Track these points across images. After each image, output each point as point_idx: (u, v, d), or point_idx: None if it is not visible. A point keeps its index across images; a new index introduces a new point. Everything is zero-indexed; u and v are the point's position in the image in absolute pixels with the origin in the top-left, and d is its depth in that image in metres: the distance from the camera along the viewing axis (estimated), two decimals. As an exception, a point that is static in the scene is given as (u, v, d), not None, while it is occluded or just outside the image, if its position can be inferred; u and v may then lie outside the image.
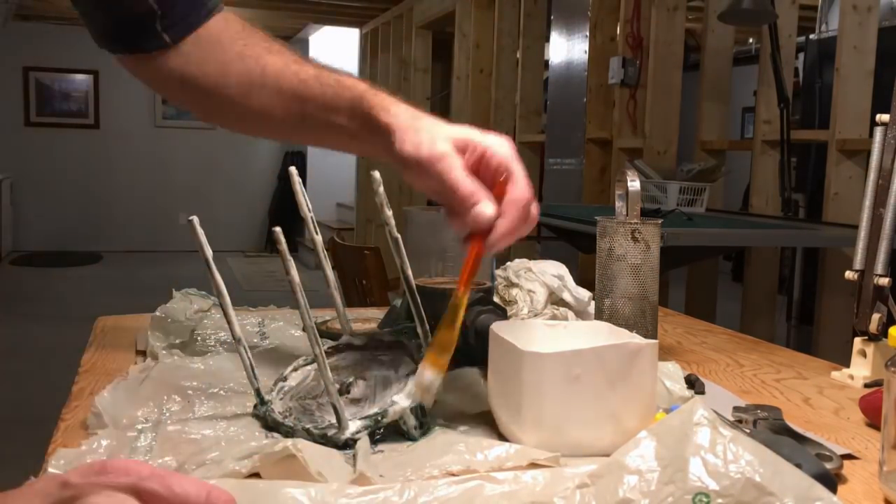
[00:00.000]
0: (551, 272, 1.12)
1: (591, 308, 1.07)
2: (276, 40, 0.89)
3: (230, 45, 0.88)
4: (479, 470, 0.60)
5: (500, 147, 0.73)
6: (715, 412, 0.74)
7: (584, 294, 1.11)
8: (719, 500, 0.49)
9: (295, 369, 0.80)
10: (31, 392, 3.92)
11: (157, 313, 1.07)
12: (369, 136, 0.79)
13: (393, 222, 0.73)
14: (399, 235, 0.73)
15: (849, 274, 0.97)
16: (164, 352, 0.94)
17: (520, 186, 0.71)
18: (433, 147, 0.72)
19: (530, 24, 4.57)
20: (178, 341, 0.97)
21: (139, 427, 0.71)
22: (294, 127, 0.88)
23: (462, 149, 0.73)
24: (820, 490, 0.49)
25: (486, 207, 0.69)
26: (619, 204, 0.96)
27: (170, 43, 0.86)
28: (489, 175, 0.73)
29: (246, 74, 0.86)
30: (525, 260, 1.17)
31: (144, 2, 0.84)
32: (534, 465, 0.61)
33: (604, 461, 0.55)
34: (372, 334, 0.81)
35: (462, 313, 0.71)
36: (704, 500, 0.49)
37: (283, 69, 0.85)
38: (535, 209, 0.72)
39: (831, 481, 0.59)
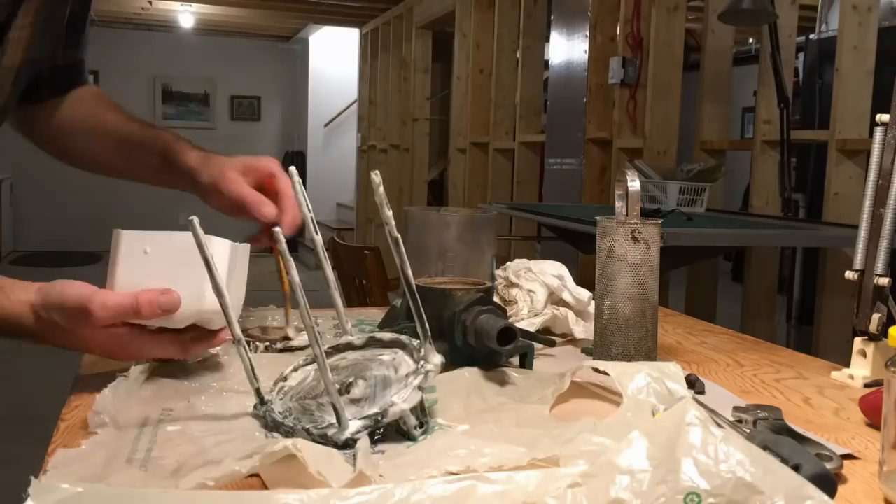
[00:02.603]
0: (551, 272, 1.12)
1: (592, 308, 1.07)
2: (116, 104, 1.18)
3: (83, 102, 1.17)
4: (478, 470, 0.60)
5: (266, 162, 1.03)
6: (711, 412, 0.75)
7: (584, 294, 1.11)
8: (710, 500, 0.49)
9: (295, 369, 0.80)
10: (31, 392, 3.92)
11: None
12: (175, 173, 1.07)
13: (393, 222, 0.73)
14: (399, 235, 0.73)
15: (849, 274, 0.97)
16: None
17: (283, 182, 1.00)
18: (223, 175, 1.01)
19: (530, 24, 4.57)
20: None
21: (139, 427, 0.71)
22: (121, 165, 1.16)
23: (244, 172, 1.01)
24: (811, 489, 0.49)
25: (268, 208, 0.98)
26: (619, 204, 0.96)
27: (46, 98, 1.14)
28: (267, 183, 1.01)
29: (92, 124, 1.15)
30: (525, 260, 1.16)
31: (40, 69, 1.06)
32: (533, 465, 0.61)
33: (596, 461, 0.55)
34: (372, 334, 0.81)
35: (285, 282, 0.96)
36: (696, 499, 0.49)
37: (117, 122, 1.14)
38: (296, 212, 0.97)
39: (831, 481, 0.59)
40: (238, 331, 0.74)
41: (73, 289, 0.77)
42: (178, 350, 0.83)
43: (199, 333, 0.83)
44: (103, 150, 1.15)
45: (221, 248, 0.83)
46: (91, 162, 1.18)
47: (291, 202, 0.98)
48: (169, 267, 0.79)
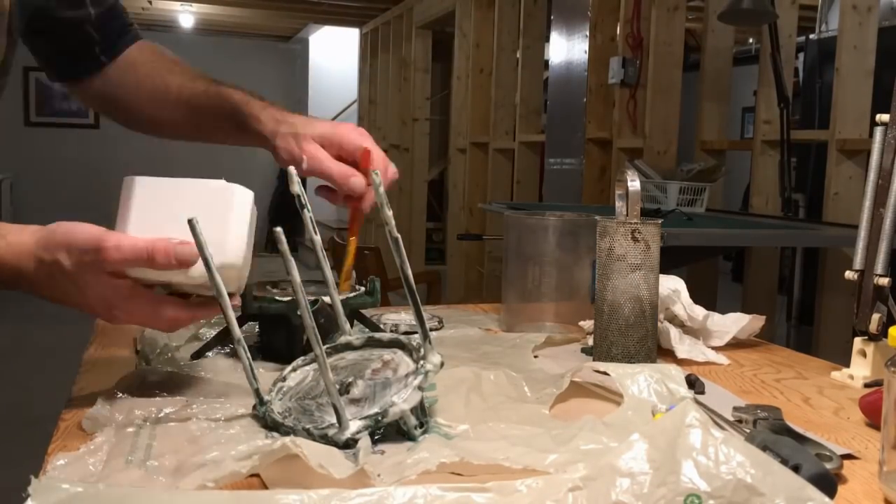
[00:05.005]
0: (667, 285, 1.07)
1: (709, 325, 1.07)
2: (177, 61, 1.11)
3: (141, 67, 1.08)
4: (477, 472, 0.60)
5: (350, 133, 0.98)
6: (713, 413, 0.75)
7: (700, 312, 1.06)
8: (711, 502, 0.49)
9: (294, 369, 0.80)
10: (31, 392, 3.92)
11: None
12: (248, 137, 1.03)
13: (393, 222, 0.73)
14: (399, 235, 0.73)
15: (849, 274, 0.97)
16: (161, 355, 0.94)
17: (377, 155, 0.98)
18: (301, 151, 0.96)
19: (530, 24, 4.57)
20: (175, 345, 0.97)
21: (138, 427, 0.71)
22: (190, 130, 1.10)
23: (324, 144, 0.97)
24: (811, 491, 0.49)
25: (357, 182, 0.95)
26: (619, 204, 0.96)
27: (106, 62, 1.07)
28: (350, 156, 0.97)
29: (153, 90, 1.08)
30: None
31: (87, 31, 1.04)
32: (533, 472, 0.61)
33: (596, 464, 0.55)
34: (371, 334, 0.81)
35: (352, 257, 0.99)
36: (696, 501, 0.49)
37: (181, 86, 1.07)
38: (392, 168, 1.00)
39: (831, 481, 0.59)
40: (238, 330, 0.74)
41: (83, 228, 0.73)
42: (177, 316, 0.77)
43: (205, 300, 0.78)
44: (169, 116, 1.08)
45: (244, 199, 0.79)
46: (158, 128, 1.12)
47: (383, 162, 0.98)
48: (187, 216, 0.70)
